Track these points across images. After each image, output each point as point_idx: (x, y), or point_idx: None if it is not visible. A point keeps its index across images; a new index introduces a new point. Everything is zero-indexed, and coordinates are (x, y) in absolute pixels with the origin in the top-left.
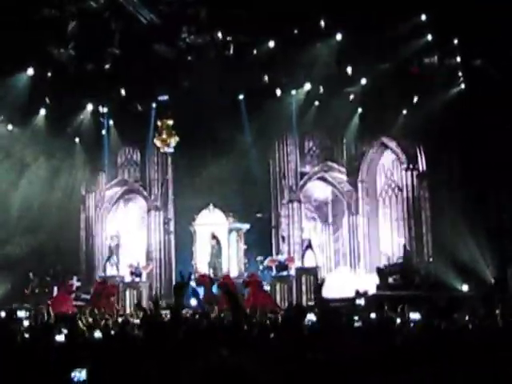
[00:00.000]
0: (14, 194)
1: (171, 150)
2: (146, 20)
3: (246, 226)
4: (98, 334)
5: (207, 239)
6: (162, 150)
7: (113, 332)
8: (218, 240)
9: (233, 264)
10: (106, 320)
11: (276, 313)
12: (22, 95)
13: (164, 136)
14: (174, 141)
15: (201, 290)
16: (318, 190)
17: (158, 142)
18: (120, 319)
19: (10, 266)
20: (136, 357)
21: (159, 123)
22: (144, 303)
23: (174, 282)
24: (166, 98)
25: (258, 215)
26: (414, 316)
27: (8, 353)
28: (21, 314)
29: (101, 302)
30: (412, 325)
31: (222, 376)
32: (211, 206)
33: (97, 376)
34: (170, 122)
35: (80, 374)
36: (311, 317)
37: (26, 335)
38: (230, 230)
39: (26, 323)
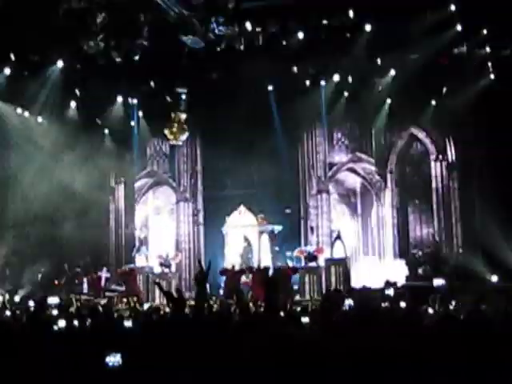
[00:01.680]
0: (43, 186)
1: (180, 143)
2: (174, 11)
3: (279, 228)
4: (128, 322)
5: (238, 241)
6: (170, 142)
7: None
8: (249, 242)
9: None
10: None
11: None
12: (52, 88)
13: (174, 129)
14: (183, 135)
15: (221, 280)
16: (347, 180)
17: (167, 134)
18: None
19: (41, 255)
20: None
21: (172, 115)
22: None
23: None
24: (184, 90)
25: (287, 211)
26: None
27: (42, 340)
28: (52, 300)
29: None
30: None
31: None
32: (242, 208)
33: (132, 360)
34: (183, 116)
35: (115, 359)
36: (349, 302)
37: (61, 323)
38: (262, 232)
39: (54, 312)
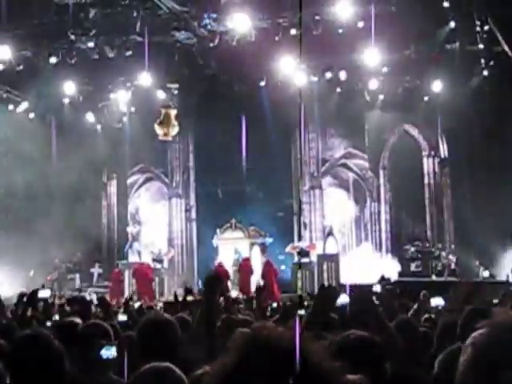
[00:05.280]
0: (35, 181)
1: (170, 139)
2: (166, 7)
3: (269, 240)
4: (122, 317)
5: (229, 253)
6: (160, 138)
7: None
8: (240, 254)
9: (255, 276)
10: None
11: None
12: (45, 84)
13: (164, 125)
14: (173, 131)
15: None
16: (340, 176)
17: (157, 130)
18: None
19: (33, 251)
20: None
21: (162, 111)
22: (165, 289)
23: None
24: (175, 85)
25: (280, 214)
26: (437, 301)
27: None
28: (43, 294)
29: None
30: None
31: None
32: (233, 221)
33: (126, 353)
34: (173, 112)
35: (109, 352)
36: (344, 299)
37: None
38: (253, 244)
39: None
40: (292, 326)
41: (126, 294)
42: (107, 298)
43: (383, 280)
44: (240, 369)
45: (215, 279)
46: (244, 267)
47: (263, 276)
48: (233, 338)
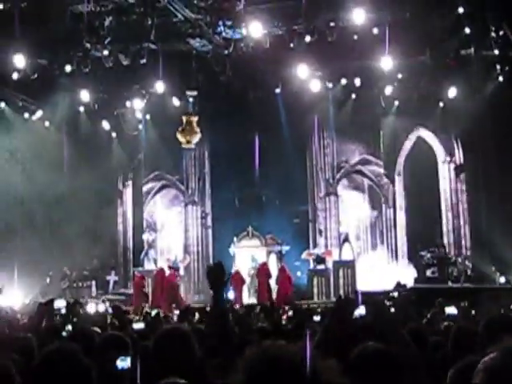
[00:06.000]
0: (51, 189)
1: (192, 146)
2: (181, 14)
3: (286, 248)
4: (139, 325)
5: (246, 259)
6: (183, 146)
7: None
8: (256, 262)
9: (273, 280)
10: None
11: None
12: (60, 92)
13: (186, 133)
14: (195, 138)
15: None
16: (356, 182)
17: (180, 138)
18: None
19: (50, 259)
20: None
21: (183, 118)
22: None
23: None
24: (194, 93)
25: (296, 220)
26: (451, 310)
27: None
28: (59, 304)
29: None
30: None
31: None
32: (250, 228)
33: (141, 364)
34: (195, 119)
35: (124, 363)
36: (362, 310)
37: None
38: (270, 252)
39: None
40: (303, 343)
41: (148, 303)
42: (129, 304)
43: (399, 286)
44: None
45: (219, 270)
46: (261, 271)
47: (277, 281)
48: (243, 356)
